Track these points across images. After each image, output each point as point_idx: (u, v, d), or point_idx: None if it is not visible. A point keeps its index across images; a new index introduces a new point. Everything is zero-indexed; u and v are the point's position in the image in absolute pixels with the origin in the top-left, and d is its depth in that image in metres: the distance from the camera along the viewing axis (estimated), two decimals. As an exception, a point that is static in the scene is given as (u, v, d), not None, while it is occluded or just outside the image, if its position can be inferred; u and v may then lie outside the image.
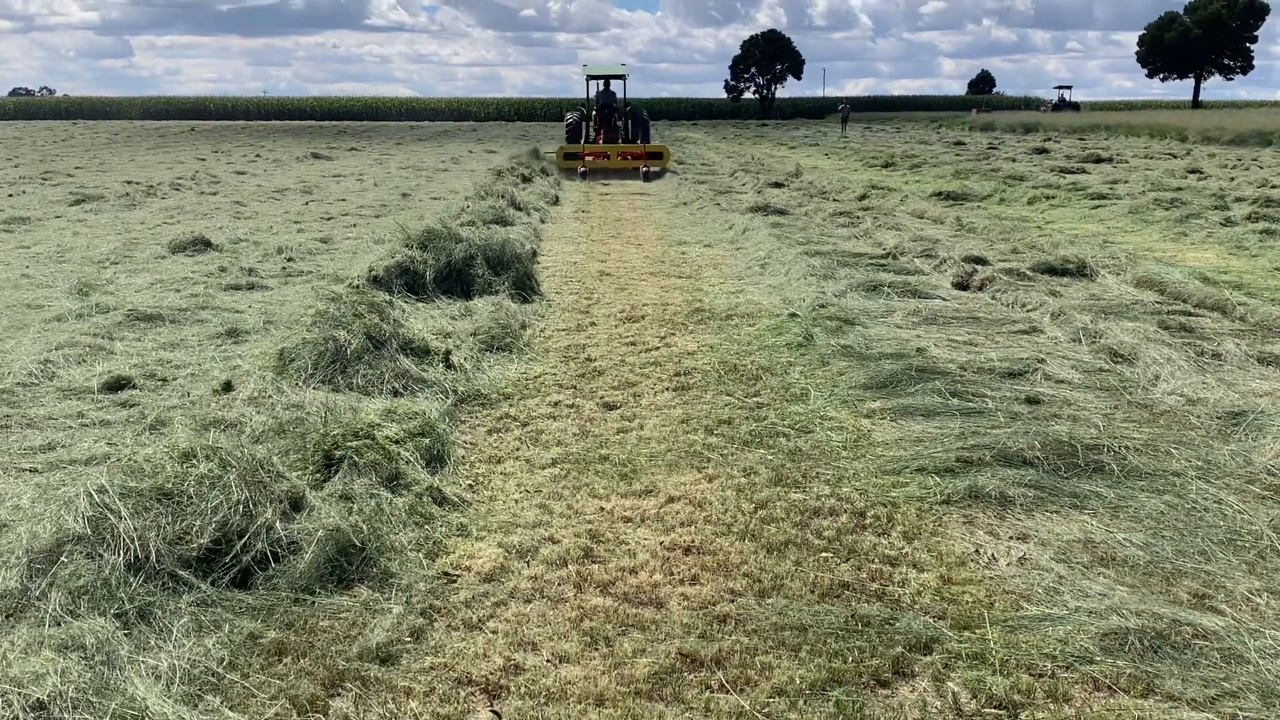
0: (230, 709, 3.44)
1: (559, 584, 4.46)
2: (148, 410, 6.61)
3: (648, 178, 26.78)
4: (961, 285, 11.16)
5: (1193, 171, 25.82)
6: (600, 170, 28.15)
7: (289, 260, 12.90)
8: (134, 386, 7.18)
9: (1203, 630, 3.88)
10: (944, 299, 10.47)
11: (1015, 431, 6.02)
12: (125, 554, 4.01)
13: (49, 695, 3.15)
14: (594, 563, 4.66)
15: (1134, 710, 3.44)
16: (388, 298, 8.95)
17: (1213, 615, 4.01)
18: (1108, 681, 3.62)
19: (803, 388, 7.24)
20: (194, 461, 4.53)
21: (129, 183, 24.38)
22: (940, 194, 21.38)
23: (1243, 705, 3.44)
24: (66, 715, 3.00)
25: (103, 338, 8.50)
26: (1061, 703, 3.51)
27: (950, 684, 3.65)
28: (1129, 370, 7.51)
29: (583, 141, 31.06)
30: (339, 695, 3.62)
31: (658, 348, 8.55)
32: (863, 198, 20.61)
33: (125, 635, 3.65)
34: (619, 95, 31.87)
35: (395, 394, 6.66)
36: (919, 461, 5.73)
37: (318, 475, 5.13)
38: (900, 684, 3.70)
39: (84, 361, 7.78)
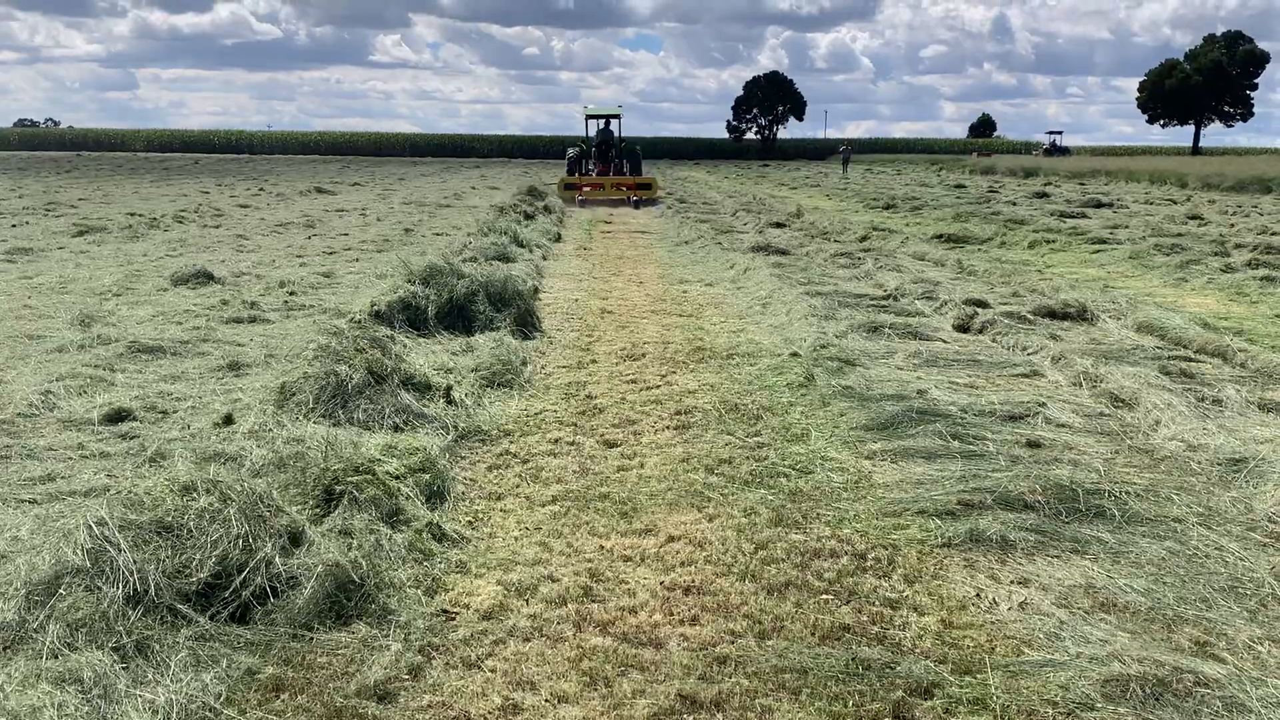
0: (227, 745, 3.42)
1: (558, 623, 4.44)
2: (148, 442, 6.61)
3: (638, 205, 30.62)
4: (962, 328, 11.17)
5: (1193, 218, 25.93)
6: (597, 200, 32.01)
7: (291, 294, 12.93)
8: (134, 418, 7.17)
9: (1204, 678, 3.85)
10: (945, 341, 10.48)
11: (1016, 475, 6.01)
12: (124, 587, 4.00)
13: (45, 729, 3.13)
14: (593, 602, 4.64)
15: (1136, 758, 3.42)
16: (389, 333, 8.97)
17: (1214, 663, 3.99)
18: (1109, 729, 3.60)
19: (803, 428, 7.23)
20: (194, 495, 4.52)
21: (132, 215, 24.47)
22: (941, 236, 21.45)
23: (1245, 754, 3.42)
24: (63, 749, 2.97)
25: (104, 369, 8.51)
26: (1063, 750, 3.49)
27: (951, 729, 3.63)
28: (1130, 415, 7.51)
29: (580, 174, 34.70)
30: (336, 733, 3.60)
31: (658, 386, 8.55)
32: (864, 239, 20.67)
33: (123, 669, 3.63)
34: (615, 133, 34.45)
35: (396, 429, 6.66)
36: (920, 504, 5.73)
37: (317, 510, 5.12)
38: (901, 728, 3.67)
39: (85, 393, 7.78)
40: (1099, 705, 3.74)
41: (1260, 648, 4.14)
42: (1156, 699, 3.75)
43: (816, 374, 8.57)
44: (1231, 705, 3.70)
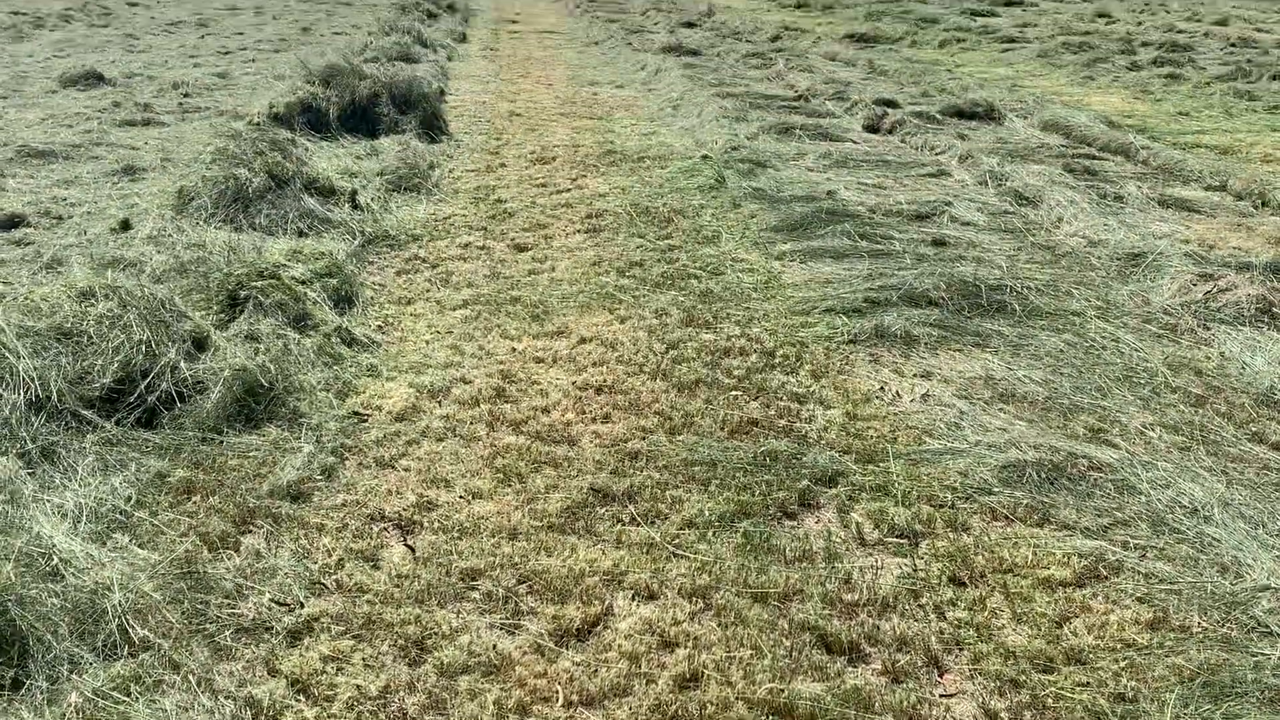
0: (139, 546, 3.43)
1: (471, 423, 4.47)
2: (43, 249, 6.41)
3: None
4: (872, 128, 11.14)
5: (1101, 15, 25.85)
6: None
7: (185, 96, 12.45)
8: (28, 224, 6.95)
9: (1098, 463, 4.02)
10: (855, 142, 10.45)
11: (921, 273, 6.10)
12: (25, 393, 3.93)
13: (-48, 535, 3.10)
14: (506, 402, 4.68)
15: (1030, 539, 3.58)
16: (290, 135, 8.70)
17: (1108, 448, 4.15)
18: (1005, 512, 3.75)
19: (714, 230, 7.23)
20: (93, 300, 4.42)
21: (15, 14, 23.19)
22: (852, 36, 21.17)
23: (1134, 533, 3.59)
24: (-29, 554, 2.95)
25: (-8, 175, 8.18)
26: (960, 532, 3.64)
27: (854, 515, 3.76)
28: (1033, 212, 7.61)
29: None
30: (250, 532, 3.62)
31: (569, 190, 8.45)
32: (775, 39, 20.35)
33: (29, 474, 3.60)
34: None
35: (300, 234, 6.53)
36: (827, 302, 5.80)
37: (222, 315, 5.04)
38: (806, 515, 3.79)
39: (-27, 200, 7.49)
40: (996, 490, 3.89)
41: (1151, 433, 4.31)
42: (1051, 483, 3.91)
43: (727, 176, 8.54)
44: (1123, 487, 3.86)
